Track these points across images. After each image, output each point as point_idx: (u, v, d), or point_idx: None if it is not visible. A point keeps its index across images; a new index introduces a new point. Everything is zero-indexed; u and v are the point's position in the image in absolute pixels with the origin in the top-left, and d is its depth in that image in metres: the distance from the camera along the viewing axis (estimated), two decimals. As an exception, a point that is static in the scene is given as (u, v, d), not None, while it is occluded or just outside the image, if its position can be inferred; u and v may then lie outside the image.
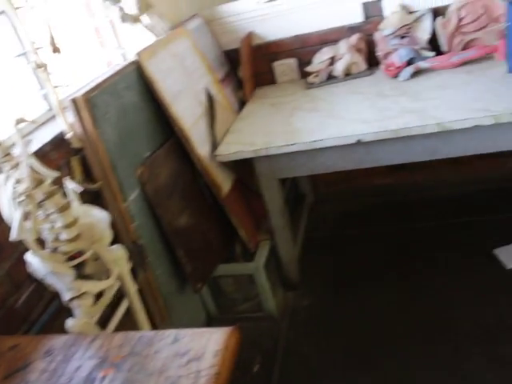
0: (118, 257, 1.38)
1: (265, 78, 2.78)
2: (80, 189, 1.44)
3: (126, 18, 1.78)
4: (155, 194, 1.92)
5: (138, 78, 1.96)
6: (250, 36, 2.67)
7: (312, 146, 1.95)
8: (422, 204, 2.87)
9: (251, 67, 2.70)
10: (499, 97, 1.91)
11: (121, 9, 1.82)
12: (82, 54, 2.03)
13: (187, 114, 2.12)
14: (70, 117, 1.66)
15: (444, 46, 2.41)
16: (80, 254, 1.30)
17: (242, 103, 2.63)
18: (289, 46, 2.68)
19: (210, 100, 2.33)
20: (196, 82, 2.29)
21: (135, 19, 1.86)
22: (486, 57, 2.29)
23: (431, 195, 2.90)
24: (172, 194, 2.02)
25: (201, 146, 2.12)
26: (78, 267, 1.32)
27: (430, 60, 2.33)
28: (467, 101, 1.93)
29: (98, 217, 1.36)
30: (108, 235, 1.37)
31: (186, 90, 2.19)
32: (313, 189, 3.12)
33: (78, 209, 1.34)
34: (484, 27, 2.33)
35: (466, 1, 2.32)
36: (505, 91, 1.94)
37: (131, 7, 1.86)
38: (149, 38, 2.17)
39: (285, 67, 2.72)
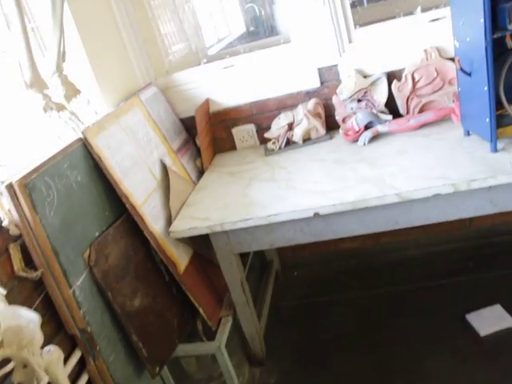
0: (50, 361, 1.25)
1: (224, 144, 2.73)
2: (3, 292, 1.32)
3: (48, 106, 1.68)
4: (105, 277, 1.80)
5: (84, 156, 1.88)
6: (206, 103, 2.63)
7: (268, 220, 1.87)
8: (391, 267, 2.79)
9: (209, 135, 2.65)
10: (457, 162, 1.87)
11: (45, 96, 1.73)
12: (22, 130, 1.93)
13: (139, 189, 2.04)
14: (6, 202, 1.56)
15: (401, 109, 2.39)
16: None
17: (200, 172, 2.56)
18: (247, 111, 2.64)
19: (165, 172, 2.25)
20: (149, 154, 2.22)
21: (61, 107, 1.77)
22: (444, 119, 2.27)
23: (401, 257, 2.84)
24: (124, 274, 1.90)
25: (155, 221, 2.03)
26: (6, 376, 1.20)
27: (388, 123, 2.30)
28: (426, 168, 1.89)
29: (27, 318, 1.24)
30: (39, 338, 1.25)
31: (138, 163, 2.11)
32: (279, 255, 3.02)
33: (4, 311, 1.22)
34: (439, 89, 2.32)
35: (419, 64, 2.32)
36: (462, 156, 1.91)
37: (57, 94, 1.78)
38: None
39: (244, 133, 2.67)
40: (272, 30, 3.15)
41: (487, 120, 1.82)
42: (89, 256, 1.76)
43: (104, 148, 1.94)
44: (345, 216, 1.86)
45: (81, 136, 1.88)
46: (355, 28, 2.44)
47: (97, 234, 1.84)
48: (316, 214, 1.83)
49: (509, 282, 2.43)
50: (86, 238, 1.79)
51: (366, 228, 1.92)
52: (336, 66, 2.46)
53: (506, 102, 1.87)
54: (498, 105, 1.86)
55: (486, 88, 1.78)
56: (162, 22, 3.34)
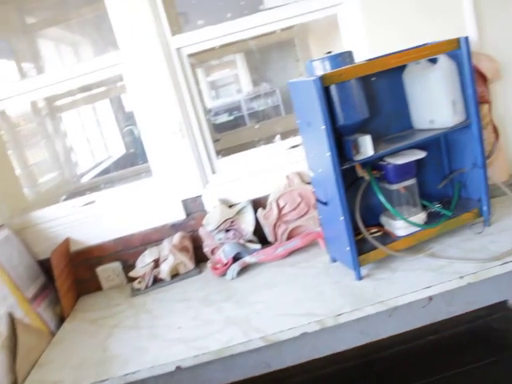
0: None
1: (89, 285, 2.51)
2: None
3: None
4: None
5: None
6: (66, 242, 2.43)
7: (126, 379, 1.65)
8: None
9: (70, 277, 2.42)
10: (324, 294, 1.81)
11: None
12: None
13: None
14: None
15: (269, 237, 2.34)
16: None
17: (61, 319, 2.30)
18: (111, 249, 2.47)
19: (14, 328, 1.98)
20: (-7, 310, 1.95)
21: None
22: (312, 243, 2.25)
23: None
24: None
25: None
26: None
27: (256, 254, 2.22)
28: (293, 303, 1.80)
29: None
30: None
31: (-23, 324, 1.84)
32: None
33: None
34: (305, 214, 2.31)
35: (283, 190, 2.31)
36: (329, 286, 1.86)
37: None
38: None
39: (109, 272, 2.48)
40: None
41: (348, 249, 1.80)
42: None
43: None
44: (211, 365, 1.70)
45: None
46: (217, 158, 2.43)
47: None
48: (178, 368, 1.64)
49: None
50: None
51: (235, 375, 1.75)
52: (201, 196, 2.40)
53: (364, 228, 1.88)
54: (359, 229, 1.86)
55: (341, 218, 1.76)
56: (32, 152, 3.18)
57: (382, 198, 1.88)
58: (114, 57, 2.29)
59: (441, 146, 2.10)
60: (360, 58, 2.19)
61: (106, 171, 3.83)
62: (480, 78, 2.25)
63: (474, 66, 2.15)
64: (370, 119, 1.90)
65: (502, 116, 2.44)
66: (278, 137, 2.44)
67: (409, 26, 2.30)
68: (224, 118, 5.33)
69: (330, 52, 1.79)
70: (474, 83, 1.85)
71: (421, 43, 1.93)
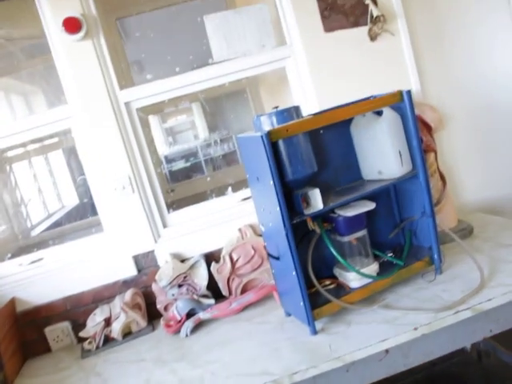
0: None
1: (37, 347, 2.38)
2: None
3: None
4: None
5: None
6: (11, 303, 2.32)
7: None
8: None
9: (15, 339, 2.31)
10: (279, 351, 1.77)
11: None
12: None
13: None
14: None
15: (224, 291, 2.30)
16: None
17: (5, 387, 2.17)
18: (60, 307, 2.37)
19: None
20: None
21: None
22: (267, 296, 2.22)
23: None
24: None
25: None
26: None
27: (210, 309, 2.17)
28: (248, 361, 1.75)
29: None
30: None
31: None
32: None
33: None
34: (259, 267, 2.29)
35: (236, 243, 2.29)
36: (284, 342, 1.82)
37: None
38: None
39: (58, 332, 2.37)
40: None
41: (301, 304, 1.77)
42: None
43: None
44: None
45: None
46: (169, 212, 2.39)
47: None
48: None
49: None
50: None
51: None
52: (152, 251, 2.35)
53: (317, 282, 1.86)
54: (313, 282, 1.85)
55: (294, 273, 1.74)
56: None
57: (333, 251, 1.87)
58: (62, 111, 2.26)
59: (391, 195, 2.13)
60: (310, 109, 2.23)
61: (58, 223, 3.73)
62: (425, 127, 2.31)
63: (418, 117, 2.23)
64: (320, 171, 1.91)
65: (448, 164, 2.51)
66: (229, 189, 2.43)
67: (355, 79, 2.36)
68: (181, 165, 5.30)
69: (277, 107, 1.81)
70: (418, 134, 1.90)
71: (367, 94, 1.97)
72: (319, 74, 2.33)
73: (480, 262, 1.96)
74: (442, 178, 2.34)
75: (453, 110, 2.60)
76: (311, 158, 1.83)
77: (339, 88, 2.33)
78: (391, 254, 2.07)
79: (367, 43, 2.37)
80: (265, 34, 2.31)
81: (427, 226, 2.00)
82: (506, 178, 2.81)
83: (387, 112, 1.89)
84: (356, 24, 2.35)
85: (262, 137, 1.64)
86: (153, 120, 4.87)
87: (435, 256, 2.01)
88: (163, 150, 5.25)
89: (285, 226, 1.70)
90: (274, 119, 1.78)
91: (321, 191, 1.78)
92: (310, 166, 1.82)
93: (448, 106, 2.55)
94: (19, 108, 3.57)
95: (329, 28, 2.33)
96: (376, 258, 2.02)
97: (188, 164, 5.36)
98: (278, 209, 1.68)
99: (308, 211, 1.77)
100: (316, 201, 1.78)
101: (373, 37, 2.36)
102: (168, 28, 3.22)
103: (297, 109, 1.83)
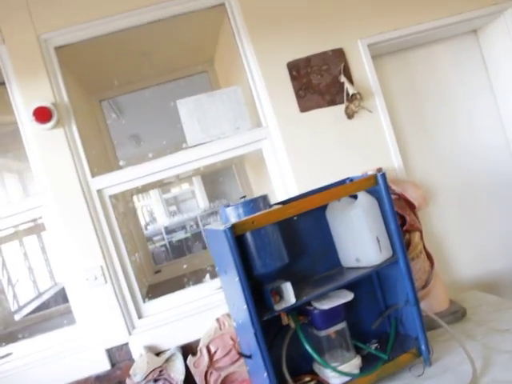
0: None
1: None
2: None
3: None
4: None
5: None
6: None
7: None
8: None
9: None
10: None
11: None
12: None
13: None
14: None
15: (201, 386, 2.16)
16: None
17: None
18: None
19: None
20: None
21: None
22: (248, 390, 2.07)
23: None
24: None
25: None
26: None
27: (186, 408, 2.03)
28: None
29: None
30: None
31: None
32: None
33: None
34: (238, 359, 2.15)
35: (214, 334, 2.17)
36: None
37: None
38: None
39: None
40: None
41: (276, 405, 1.64)
42: None
43: None
44: None
45: None
46: (144, 302, 2.29)
47: None
48: None
49: None
50: None
51: None
52: (127, 344, 2.23)
53: (292, 382, 1.73)
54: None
55: (265, 375, 1.62)
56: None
57: (308, 348, 1.74)
58: (34, 200, 2.21)
59: (373, 281, 2.02)
60: (289, 191, 2.17)
61: (41, 307, 3.62)
62: (408, 206, 2.22)
63: (401, 195, 2.14)
64: (296, 259, 1.82)
65: (439, 240, 2.41)
66: (207, 276, 2.33)
67: (335, 159, 2.30)
68: (182, 235, 5.22)
69: (244, 197, 1.73)
70: (396, 218, 1.81)
71: (350, 174, 1.92)
72: (296, 155, 2.27)
73: (472, 351, 1.82)
74: (430, 257, 2.23)
75: (439, 185, 2.53)
76: (281, 250, 1.73)
77: (318, 169, 2.27)
78: (376, 345, 1.93)
79: (345, 121, 2.32)
80: (239, 116, 2.28)
81: (412, 315, 1.87)
82: (497, 251, 2.70)
83: (362, 197, 1.81)
84: (332, 102, 2.31)
85: (225, 231, 1.56)
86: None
87: (422, 347, 1.87)
88: (163, 221, 5.21)
89: (253, 325, 1.58)
90: (241, 210, 1.70)
91: (296, 282, 1.68)
92: (279, 259, 1.72)
93: (434, 181, 2.48)
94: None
95: (305, 108, 2.29)
96: (359, 351, 1.88)
97: (188, 234, 5.25)
98: (245, 307, 1.58)
99: (279, 306, 1.66)
100: (288, 295, 1.68)
101: (350, 115, 2.31)
102: (148, 110, 3.23)
103: (264, 198, 1.75)
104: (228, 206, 1.73)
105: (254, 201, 1.71)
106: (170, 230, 5.06)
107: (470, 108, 2.74)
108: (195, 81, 3.17)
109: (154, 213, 5.24)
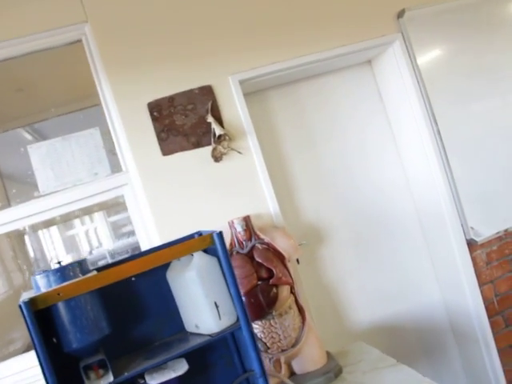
0: None
1: None
2: None
3: None
4: None
5: None
6: None
7: None
8: None
9: None
10: None
11: None
12: None
13: None
14: None
15: None
16: None
17: None
18: None
19: None
20: None
21: None
22: None
23: None
24: None
25: None
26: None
27: None
28: None
29: None
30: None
31: None
32: None
33: None
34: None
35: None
36: None
37: None
38: None
39: None
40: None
41: None
42: None
43: None
44: None
45: None
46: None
47: None
48: None
49: None
50: None
51: None
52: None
53: None
54: None
55: None
56: None
57: (129, 433, 1.56)
58: None
59: (229, 345, 1.84)
60: (151, 241, 2.01)
61: None
62: (278, 257, 2.05)
63: (269, 245, 1.98)
64: (135, 325, 1.65)
65: (333, 280, 2.25)
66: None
67: (202, 204, 2.14)
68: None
69: (59, 262, 1.55)
70: (236, 281, 1.64)
71: (218, 223, 1.80)
72: (159, 201, 2.09)
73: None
74: (302, 312, 2.06)
75: (334, 226, 2.38)
76: (99, 321, 1.54)
77: (183, 217, 2.10)
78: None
79: (212, 164, 2.15)
80: (97, 161, 2.10)
81: (263, 384, 1.70)
82: (396, 294, 2.55)
83: (198, 258, 1.64)
84: (198, 144, 2.14)
85: (20, 306, 1.37)
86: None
87: (275, 420, 1.70)
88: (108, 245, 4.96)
89: (56, 411, 1.40)
90: (52, 278, 1.52)
91: (134, 349, 1.52)
92: (96, 331, 1.53)
93: (328, 222, 2.33)
94: None
95: (167, 151, 2.12)
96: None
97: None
98: (46, 391, 1.39)
99: (97, 385, 1.48)
100: (106, 372, 1.50)
101: (218, 157, 2.14)
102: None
103: (81, 264, 1.57)
104: (39, 273, 1.55)
105: (64, 268, 1.53)
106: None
107: (363, 139, 2.61)
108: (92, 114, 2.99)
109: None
